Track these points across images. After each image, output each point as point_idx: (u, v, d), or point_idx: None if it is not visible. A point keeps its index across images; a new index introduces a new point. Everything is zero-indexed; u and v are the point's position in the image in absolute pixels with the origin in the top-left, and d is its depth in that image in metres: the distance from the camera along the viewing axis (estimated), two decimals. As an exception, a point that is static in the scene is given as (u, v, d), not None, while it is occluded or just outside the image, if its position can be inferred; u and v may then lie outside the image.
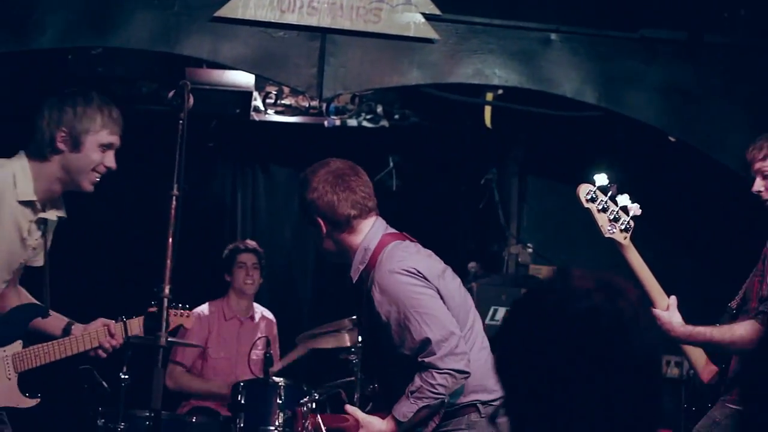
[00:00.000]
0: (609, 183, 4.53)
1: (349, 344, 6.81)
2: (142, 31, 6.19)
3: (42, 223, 4.58)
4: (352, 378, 6.57)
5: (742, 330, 4.46)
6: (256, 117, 8.18)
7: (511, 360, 1.99)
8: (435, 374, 4.27)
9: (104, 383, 6.01)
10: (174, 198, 3.60)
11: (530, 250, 8.03)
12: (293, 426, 4.70)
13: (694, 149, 6.79)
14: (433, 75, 6.53)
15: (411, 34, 6.38)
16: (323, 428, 4.62)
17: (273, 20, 6.25)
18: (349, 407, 4.53)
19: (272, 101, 8.21)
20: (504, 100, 7.46)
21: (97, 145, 4.57)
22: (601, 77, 6.67)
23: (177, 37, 6.24)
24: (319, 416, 4.65)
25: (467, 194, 8.58)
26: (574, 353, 1.90)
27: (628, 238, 4.51)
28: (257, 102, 8.12)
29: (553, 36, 6.63)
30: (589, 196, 4.52)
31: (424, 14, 6.37)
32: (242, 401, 6.22)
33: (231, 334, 7.43)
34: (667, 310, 4.47)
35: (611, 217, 4.51)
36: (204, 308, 7.46)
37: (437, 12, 6.39)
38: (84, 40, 6.34)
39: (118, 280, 7.91)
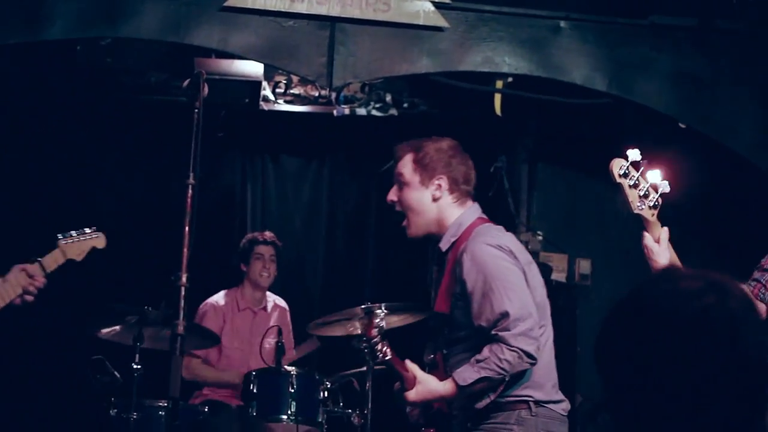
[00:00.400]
0: (641, 159, 4.53)
1: (360, 332, 6.81)
2: (152, 22, 6.19)
3: None
4: (364, 368, 6.57)
5: None
6: (265, 107, 8.18)
7: (616, 360, 1.96)
8: (505, 349, 4.31)
9: (116, 373, 6.03)
10: (190, 187, 3.59)
11: (540, 237, 8.02)
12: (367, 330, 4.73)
13: (704, 136, 6.78)
14: (442, 63, 6.53)
15: (420, 22, 6.38)
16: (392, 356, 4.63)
17: (282, 9, 6.25)
18: (408, 362, 4.54)
19: (282, 91, 8.20)
20: (514, 88, 7.45)
21: None
22: (610, 64, 6.67)
23: (187, 27, 6.24)
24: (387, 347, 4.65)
25: (477, 182, 8.55)
26: (684, 355, 1.87)
27: (656, 215, 4.51)
28: (266, 92, 8.12)
29: (562, 23, 6.63)
30: (621, 171, 4.50)
31: (433, 2, 6.37)
32: (254, 390, 6.22)
33: (245, 325, 7.42)
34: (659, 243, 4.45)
35: (641, 193, 4.50)
36: (219, 298, 7.46)
37: (446, 0, 6.39)
38: (94, 31, 6.34)
39: (132, 269, 7.92)
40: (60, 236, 4.79)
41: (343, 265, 8.86)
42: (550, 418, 4.54)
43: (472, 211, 4.68)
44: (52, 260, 4.75)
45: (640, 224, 4.51)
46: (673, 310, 1.91)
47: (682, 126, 6.89)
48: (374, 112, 8.38)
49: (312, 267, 8.81)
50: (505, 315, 4.32)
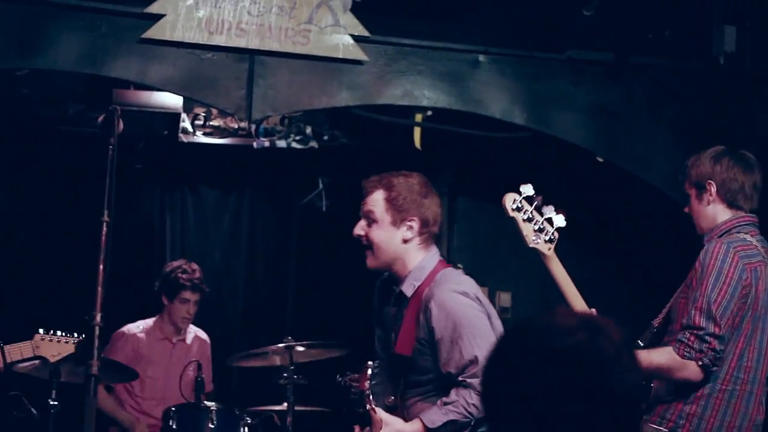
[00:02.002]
0: (534, 194, 4.57)
1: (279, 364, 6.78)
2: (69, 53, 6.13)
3: None
4: (284, 404, 6.53)
5: (659, 357, 4.50)
6: (184, 138, 8.12)
7: (495, 392, 2.05)
8: (473, 393, 4.34)
9: (33, 410, 5.94)
10: (105, 224, 3.55)
11: (461, 270, 8.03)
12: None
13: (621, 169, 6.87)
14: (362, 96, 6.54)
15: (340, 55, 6.39)
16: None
17: (201, 42, 6.21)
18: (372, 405, 4.53)
19: (201, 123, 8.15)
20: (433, 121, 7.48)
21: None
22: (529, 98, 6.73)
23: (104, 58, 6.18)
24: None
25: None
26: (556, 389, 1.95)
27: (552, 249, 4.55)
28: (185, 123, 8.06)
29: (481, 57, 6.68)
30: (514, 206, 4.56)
31: (353, 36, 6.38)
32: (174, 426, 6.17)
33: (163, 356, 7.32)
34: None
35: (536, 227, 4.55)
36: (135, 327, 7.33)
37: (366, 34, 6.40)
38: (10, 62, 6.25)
39: (47, 306, 7.81)
40: (41, 330, 4.68)
41: (263, 297, 8.82)
42: None
43: (433, 254, 4.66)
44: (18, 351, 4.67)
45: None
46: (546, 344, 2.00)
47: (600, 159, 6.97)
48: (294, 145, 8.36)
49: (232, 299, 8.75)
50: (473, 361, 4.35)
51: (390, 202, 4.63)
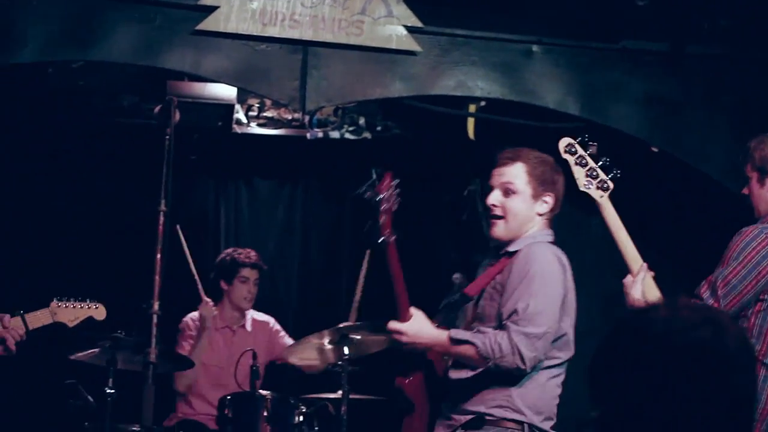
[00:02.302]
0: (590, 141, 4.58)
1: (332, 361, 6.80)
2: (124, 45, 6.17)
3: None
4: (339, 393, 6.55)
5: None
6: (238, 129, 8.16)
7: (609, 382, 1.99)
8: (504, 336, 4.37)
9: (90, 398, 6.00)
10: (162, 214, 3.57)
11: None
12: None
13: (676, 159, 6.81)
14: (415, 87, 6.53)
15: (393, 46, 6.39)
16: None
17: (255, 33, 6.23)
18: (388, 217, 4.64)
19: (255, 114, 8.19)
20: (487, 112, 7.46)
21: None
22: (583, 88, 6.69)
23: (159, 50, 6.22)
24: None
25: (450, 205, 8.58)
26: (674, 384, 1.90)
27: (606, 197, 4.54)
28: (239, 114, 8.10)
29: (534, 48, 6.66)
30: (568, 148, 4.58)
31: (406, 27, 6.37)
32: (229, 414, 6.20)
33: (223, 344, 7.37)
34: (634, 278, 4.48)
35: (588, 172, 4.55)
36: (197, 315, 7.39)
37: (419, 24, 6.40)
38: (65, 54, 6.31)
39: (104, 295, 7.87)
40: (55, 298, 4.77)
41: (317, 288, 8.85)
42: None
43: (550, 233, 4.73)
44: (37, 318, 4.73)
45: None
46: (669, 339, 1.93)
47: (654, 150, 6.92)
48: (348, 135, 8.38)
49: (285, 290, 8.78)
50: (521, 310, 4.38)
51: (532, 175, 4.70)
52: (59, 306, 4.79)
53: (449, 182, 8.60)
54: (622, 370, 1.96)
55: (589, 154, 4.58)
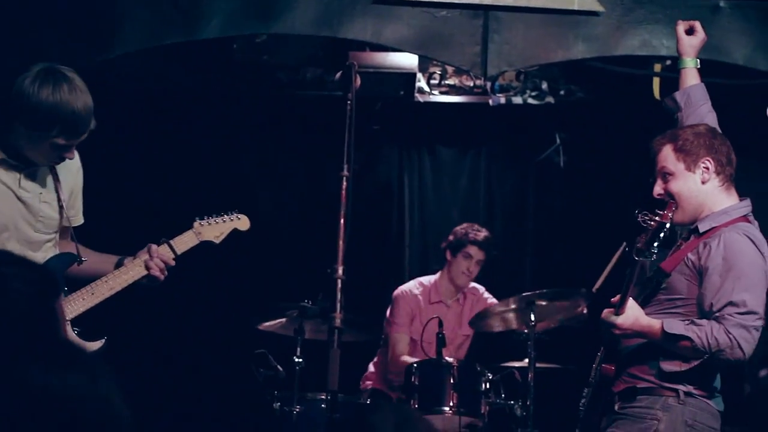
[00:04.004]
0: None
1: (515, 327, 6.76)
2: (306, 16, 6.21)
3: (31, 177, 4.37)
4: (525, 360, 6.52)
5: None
6: (420, 98, 8.18)
7: None
8: (722, 330, 4.31)
9: (279, 367, 6.11)
10: (344, 179, 3.58)
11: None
12: None
13: None
14: (598, 48, 6.40)
15: (575, 7, 6.27)
16: None
17: (435, 0, 6.21)
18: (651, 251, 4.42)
19: (436, 82, 8.20)
20: (672, 71, 7.27)
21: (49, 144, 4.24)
22: (774, 43, 6.45)
23: (340, 20, 6.24)
24: None
25: (638, 169, 8.39)
26: None
27: None
28: (421, 83, 8.13)
29: (721, 3, 6.44)
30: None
31: (588, -14, 6.25)
32: (416, 382, 6.22)
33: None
34: None
35: None
36: (412, 287, 7.43)
37: (601, -17, 6.27)
38: (249, 28, 6.39)
39: (289, 262, 8.01)
40: (197, 218, 4.79)
41: (501, 256, 8.80)
42: (699, 409, 4.46)
43: (741, 206, 4.64)
44: (183, 242, 4.73)
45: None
46: None
47: None
48: (530, 101, 8.31)
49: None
50: (734, 304, 4.33)
51: (678, 150, 4.65)
52: (201, 224, 4.79)
53: (636, 145, 8.42)
54: None
55: None
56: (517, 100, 8.26)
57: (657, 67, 7.36)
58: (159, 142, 8.00)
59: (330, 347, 3.26)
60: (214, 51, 7.34)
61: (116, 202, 7.53)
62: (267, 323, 6.32)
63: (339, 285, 3.36)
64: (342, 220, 3.48)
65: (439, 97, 8.26)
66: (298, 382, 5.96)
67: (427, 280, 7.49)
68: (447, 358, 6.39)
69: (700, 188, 4.57)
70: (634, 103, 7.91)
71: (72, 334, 4.34)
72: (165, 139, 8.01)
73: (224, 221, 4.88)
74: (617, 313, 4.45)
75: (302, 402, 6.00)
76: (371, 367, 7.45)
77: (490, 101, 8.26)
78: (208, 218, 4.84)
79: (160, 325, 7.70)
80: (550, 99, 8.30)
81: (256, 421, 6.67)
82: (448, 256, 7.40)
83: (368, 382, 7.32)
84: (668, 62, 7.14)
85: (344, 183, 3.57)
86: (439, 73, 8.12)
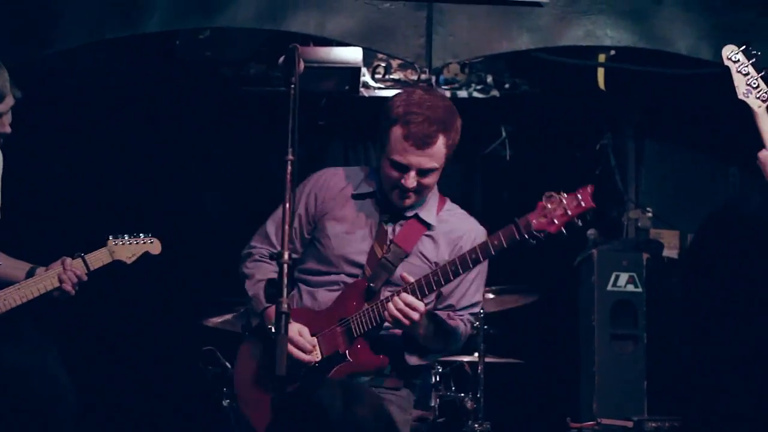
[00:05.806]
0: (756, 51, 4.48)
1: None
2: (248, 10, 6.17)
3: None
4: (475, 354, 6.50)
5: None
6: (365, 93, 8.15)
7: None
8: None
9: (227, 363, 6.05)
10: (289, 163, 3.54)
11: (650, 214, 7.86)
12: None
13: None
14: (543, 39, 6.39)
15: (518, -2, 6.28)
16: None
17: (379, -8, 6.19)
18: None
19: (381, 76, 8.17)
20: (617, 61, 7.30)
21: None
22: (716, 32, 6.46)
23: (283, 13, 6.20)
24: None
25: (583, 160, 8.43)
26: None
27: (764, 108, 4.44)
28: (366, 78, 8.09)
29: (664, -8, 6.47)
30: (732, 56, 4.49)
31: (531, -23, 6.25)
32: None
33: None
34: None
35: (749, 81, 4.46)
36: None
37: (545, -26, 6.27)
38: (191, 22, 6.34)
39: (234, 258, 7.94)
40: (111, 236, 4.83)
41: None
42: None
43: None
44: (97, 258, 4.78)
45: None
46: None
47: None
48: (476, 94, 8.30)
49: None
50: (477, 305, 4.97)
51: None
52: (115, 244, 4.83)
53: (581, 137, 8.45)
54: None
55: (751, 64, 4.49)
56: (462, 93, 8.25)
57: (601, 58, 7.40)
58: (99, 140, 7.92)
59: (277, 333, 3.22)
60: (156, 47, 7.27)
61: (45, 201, 7.50)
62: (214, 319, 6.26)
63: (285, 270, 3.31)
64: (287, 204, 3.44)
65: (384, 92, 8.23)
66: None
67: None
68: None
69: None
70: (579, 94, 7.94)
71: None
72: (106, 137, 7.93)
73: (137, 243, 4.93)
74: None
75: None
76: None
77: (436, 95, 8.24)
78: (122, 237, 4.88)
79: (105, 322, 7.62)
80: (495, 92, 8.30)
81: (205, 418, 6.61)
82: None
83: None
84: (612, 52, 7.18)
85: (289, 167, 3.53)
86: (384, 66, 8.10)
